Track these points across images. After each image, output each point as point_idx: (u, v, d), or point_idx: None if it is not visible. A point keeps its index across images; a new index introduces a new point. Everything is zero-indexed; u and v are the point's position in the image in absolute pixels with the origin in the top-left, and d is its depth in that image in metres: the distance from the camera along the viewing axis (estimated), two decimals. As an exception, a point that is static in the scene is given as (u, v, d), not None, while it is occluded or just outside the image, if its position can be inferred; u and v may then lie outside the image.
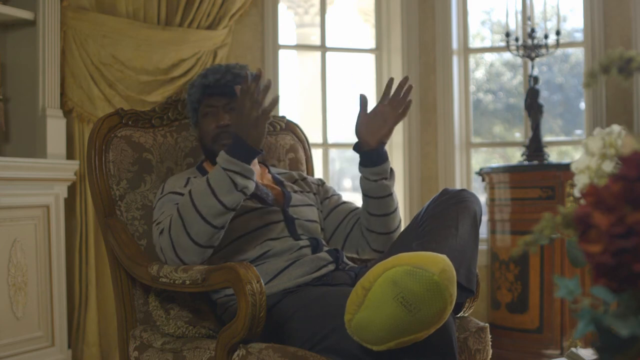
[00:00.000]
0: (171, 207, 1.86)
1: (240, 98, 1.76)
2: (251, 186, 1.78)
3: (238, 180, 1.74)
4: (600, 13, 3.94)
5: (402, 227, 2.08)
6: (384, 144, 2.01)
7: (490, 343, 1.91)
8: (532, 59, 3.82)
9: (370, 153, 2.00)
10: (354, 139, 2.02)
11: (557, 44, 3.79)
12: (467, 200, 1.80)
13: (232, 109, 2.00)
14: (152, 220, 1.91)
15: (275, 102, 1.77)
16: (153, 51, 3.47)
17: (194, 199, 1.75)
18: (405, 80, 1.97)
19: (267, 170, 2.15)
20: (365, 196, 2.04)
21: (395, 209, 2.06)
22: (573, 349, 1.68)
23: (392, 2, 4.21)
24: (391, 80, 1.98)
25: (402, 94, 1.97)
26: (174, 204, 1.87)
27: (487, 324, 1.91)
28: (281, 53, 3.98)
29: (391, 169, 2.04)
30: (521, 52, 3.82)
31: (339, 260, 1.93)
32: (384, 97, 1.98)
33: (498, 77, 5.46)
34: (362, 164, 2.02)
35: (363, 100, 1.99)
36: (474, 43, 4.69)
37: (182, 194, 1.89)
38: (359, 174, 2.04)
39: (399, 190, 4.12)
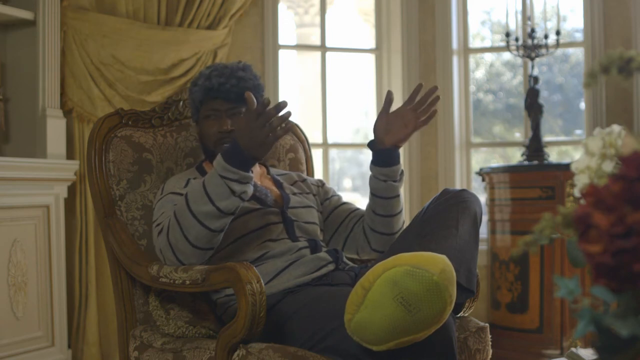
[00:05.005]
0: (171, 208, 1.86)
1: (252, 113, 1.71)
2: (249, 190, 1.76)
3: (235, 187, 1.73)
4: (600, 13, 3.93)
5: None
6: (398, 147, 2.01)
7: (490, 343, 1.91)
8: (532, 59, 3.82)
9: (384, 153, 2.00)
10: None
11: (557, 44, 3.79)
12: (467, 201, 1.80)
13: (234, 114, 2.00)
14: (152, 220, 1.91)
15: (287, 130, 1.76)
16: (153, 51, 3.47)
17: (190, 205, 1.73)
18: (434, 89, 1.97)
19: (266, 171, 2.15)
20: (372, 195, 2.04)
21: (400, 211, 2.06)
22: (573, 349, 1.68)
23: (392, 2, 4.20)
24: (419, 86, 1.97)
25: (427, 102, 1.97)
26: (173, 204, 1.87)
27: (487, 324, 1.91)
28: (281, 53, 3.98)
29: (401, 172, 2.04)
30: (521, 52, 3.82)
31: (339, 260, 1.93)
32: (409, 101, 1.98)
33: (498, 77, 5.46)
34: (374, 163, 2.02)
35: (389, 97, 1.98)
36: (474, 43, 4.69)
37: (181, 194, 1.89)
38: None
39: (399, 190, 4.12)
